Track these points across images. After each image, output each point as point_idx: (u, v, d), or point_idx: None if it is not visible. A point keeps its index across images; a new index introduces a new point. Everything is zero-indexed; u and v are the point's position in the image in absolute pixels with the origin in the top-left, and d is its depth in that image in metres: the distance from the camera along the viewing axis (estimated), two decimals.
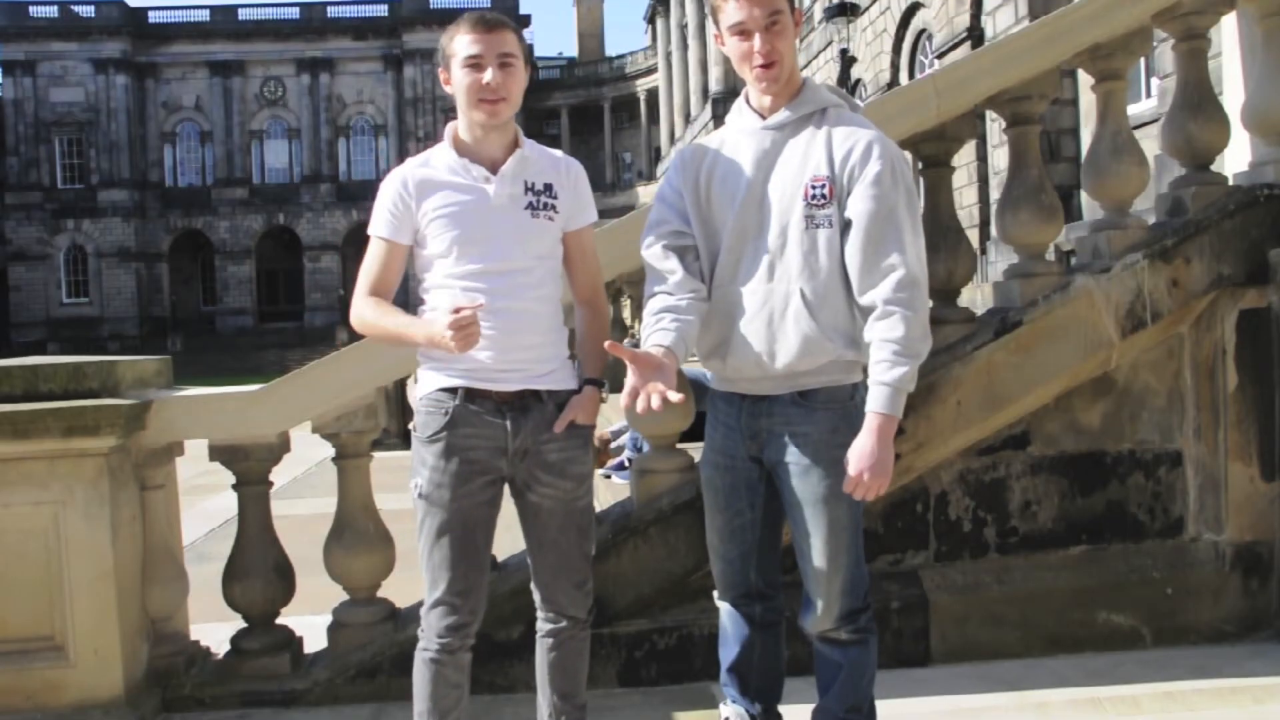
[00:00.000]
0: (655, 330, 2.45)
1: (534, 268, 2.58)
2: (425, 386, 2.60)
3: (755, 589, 2.69)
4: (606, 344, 2.40)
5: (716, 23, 2.53)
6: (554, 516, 2.62)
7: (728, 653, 2.75)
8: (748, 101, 2.59)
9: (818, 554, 2.51)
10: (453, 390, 2.54)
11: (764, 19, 2.43)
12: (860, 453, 2.39)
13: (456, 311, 2.33)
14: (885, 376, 2.38)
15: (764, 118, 2.54)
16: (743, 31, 2.45)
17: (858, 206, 2.42)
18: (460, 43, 2.54)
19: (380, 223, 2.59)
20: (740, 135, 2.56)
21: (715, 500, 2.67)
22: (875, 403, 2.39)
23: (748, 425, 2.57)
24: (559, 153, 2.73)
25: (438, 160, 2.59)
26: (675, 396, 2.28)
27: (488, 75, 2.50)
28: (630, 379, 2.32)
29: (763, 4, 2.43)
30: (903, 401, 2.40)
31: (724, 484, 2.64)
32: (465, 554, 2.56)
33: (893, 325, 2.38)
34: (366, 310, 2.57)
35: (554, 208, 2.60)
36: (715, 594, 2.79)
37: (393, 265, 2.60)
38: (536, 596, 2.71)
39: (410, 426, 2.65)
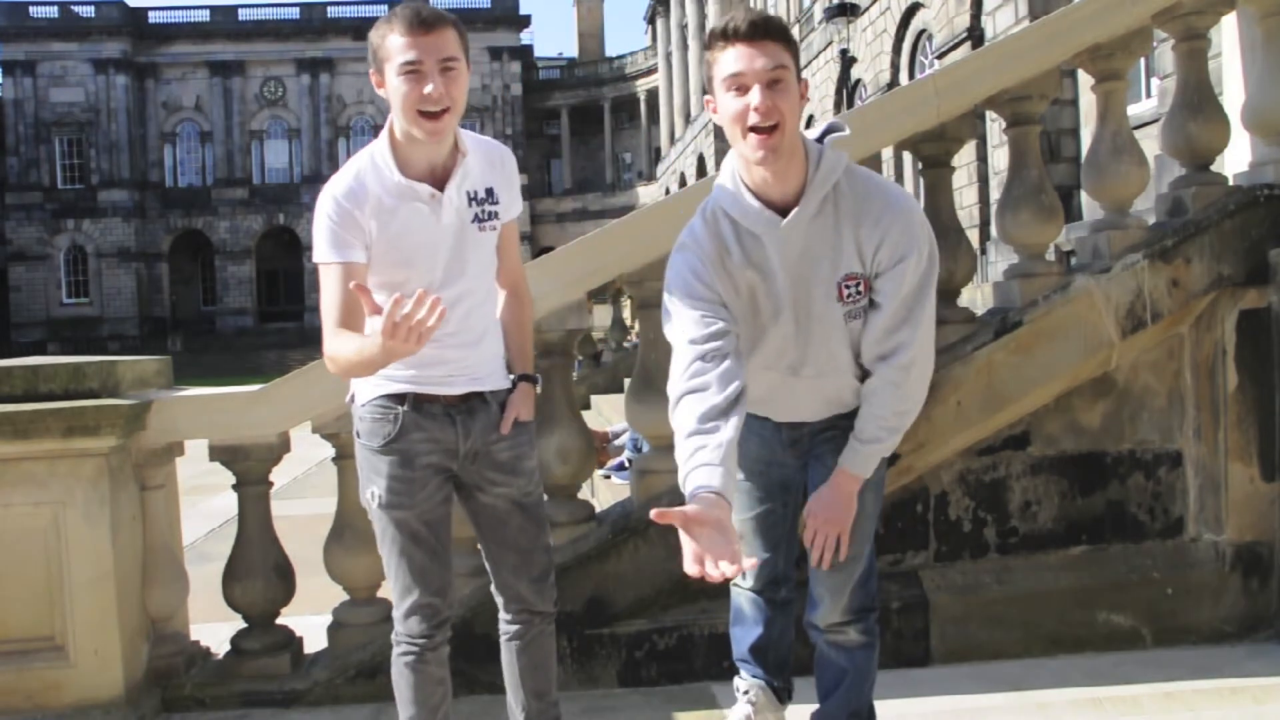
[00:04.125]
0: (697, 466, 2.08)
1: (480, 283, 2.51)
2: (367, 393, 2.51)
3: (781, 575, 2.73)
4: (654, 513, 1.90)
5: (709, 82, 2.22)
6: (512, 515, 2.60)
7: (747, 634, 2.76)
8: (744, 182, 2.28)
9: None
10: (399, 396, 2.46)
11: (766, 71, 2.12)
12: (821, 501, 2.42)
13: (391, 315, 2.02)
14: (865, 438, 2.37)
15: (769, 203, 2.26)
16: (740, 86, 2.14)
17: (885, 289, 2.31)
18: (394, 45, 2.25)
19: (331, 246, 2.33)
20: (753, 226, 2.28)
21: (748, 501, 2.68)
22: (848, 460, 2.39)
23: (788, 435, 2.57)
24: (489, 141, 2.54)
25: (380, 176, 2.36)
26: (748, 563, 1.89)
27: (428, 86, 2.23)
28: (688, 546, 1.94)
29: (767, 53, 2.13)
30: (874, 465, 2.41)
31: (760, 486, 2.65)
32: (435, 556, 2.53)
33: (890, 399, 2.35)
34: (330, 344, 2.30)
35: (496, 215, 2.48)
36: (735, 581, 2.80)
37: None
38: (500, 598, 2.68)
39: (355, 434, 2.56)
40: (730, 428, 2.13)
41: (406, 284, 2.38)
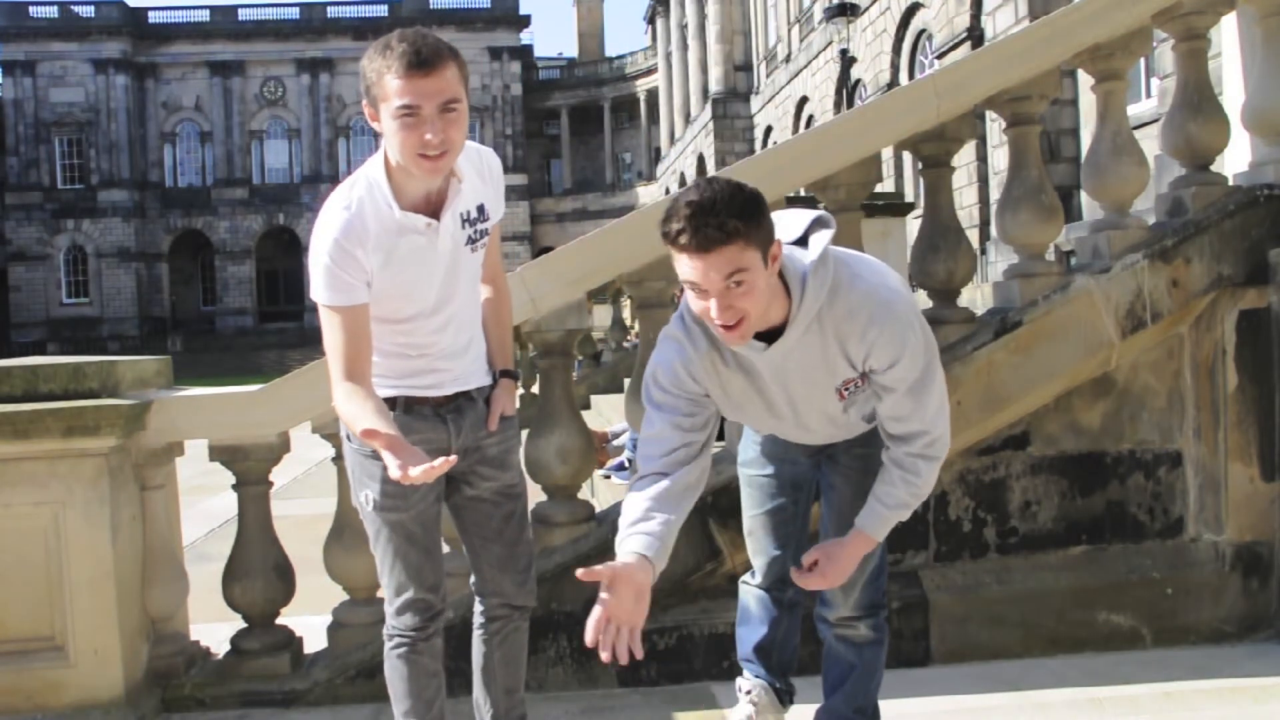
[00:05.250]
0: (639, 532, 2.17)
1: (469, 298, 2.52)
2: None
3: (789, 574, 2.71)
4: (580, 572, 2.04)
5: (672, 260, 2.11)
6: (499, 507, 2.62)
7: (753, 633, 2.78)
8: None
9: None
10: (390, 401, 2.44)
11: (721, 282, 2.01)
12: (829, 555, 2.35)
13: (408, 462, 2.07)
14: (893, 506, 2.32)
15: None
16: (699, 291, 2.06)
17: (885, 383, 2.26)
18: (391, 86, 2.14)
19: (330, 290, 2.27)
20: (741, 352, 2.24)
21: (759, 496, 2.70)
22: (868, 524, 2.34)
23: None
24: (475, 148, 2.44)
25: (379, 211, 2.30)
26: (639, 650, 2.01)
27: (429, 133, 2.15)
28: (598, 609, 2.02)
29: (721, 265, 1.99)
30: (888, 530, 2.37)
31: (772, 482, 2.66)
32: (429, 554, 2.56)
33: (918, 469, 2.30)
34: (341, 404, 2.30)
35: (486, 230, 2.47)
36: (743, 579, 2.83)
37: (361, 330, 2.31)
38: (479, 592, 2.69)
39: (345, 437, 2.55)
40: (681, 513, 2.23)
41: (401, 311, 2.39)
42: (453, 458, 2.08)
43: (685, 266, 2.03)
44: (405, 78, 2.13)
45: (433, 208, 2.35)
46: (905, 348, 2.20)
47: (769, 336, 2.19)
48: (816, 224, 2.26)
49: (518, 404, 2.70)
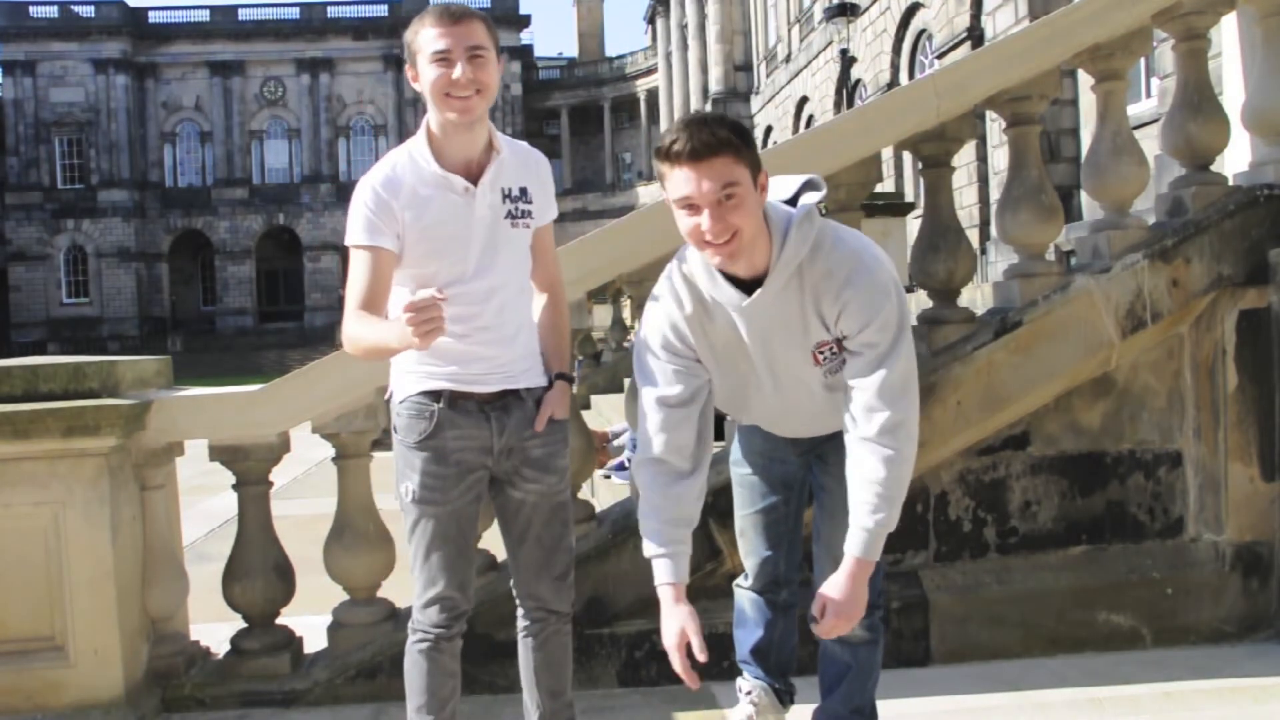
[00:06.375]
0: (661, 555, 2.31)
1: (512, 278, 2.56)
2: (405, 390, 2.56)
3: (782, 576, 2.74)
4: (685, 677, 2.25)
5: (663, 186, 2.17)
6: (538, 511, 2.63)
7: (749, 636, 2.79)
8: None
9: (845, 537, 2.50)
10: (435, 394, 2.51)
11: (715, 193, 2.06)
12: (832, 590, 2.29)
13: (413, 308, 2.15)
14: (867, 521, 2.26)
15: (735, 278, 2.25)
16: (690, 207, 2.10)
17: (852, 348, 2.28)
18: (426, 37, 2.41)
19: (362, 230, 2.44)
20: (721, 307, 2.29)
21: (750, 496, 2.71)
22: (854, 546, 2.28)
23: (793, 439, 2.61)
24: (524, 145, 2.65)
25: (417, 169, 2.46)
26: (699, 655, 2.19)
27: (457, 71, 2.38)
28: (679, 633, 2.24)
29: (714, 175, 2.05)
30: (882, 544, 2.30)
31: (763, 481, 2.67)
32: (462, 551, 2.59)
33: (876, 466, 2.24)
34: (350, 325, 2.42)
35: (530, 214, 2.56)
36: (737, 581, 2.83)
37: (383, 274, 2.44)
38: (518, 595, 2.70)
39: (391, 429, 2.62)
40: (696, 509, 2.39)
41: (436, 276, 2.44)
42: (433, 291, 2.17)
43: (679, 179, 2.08)
44: (438, 26, 2.40)
45: (472, 176, 2.48)
46: (878, 313, 2.22)
47: (750, 291, 2.23)
48: (807, 186, 2.31)
49: (569, 410, 2.70)
